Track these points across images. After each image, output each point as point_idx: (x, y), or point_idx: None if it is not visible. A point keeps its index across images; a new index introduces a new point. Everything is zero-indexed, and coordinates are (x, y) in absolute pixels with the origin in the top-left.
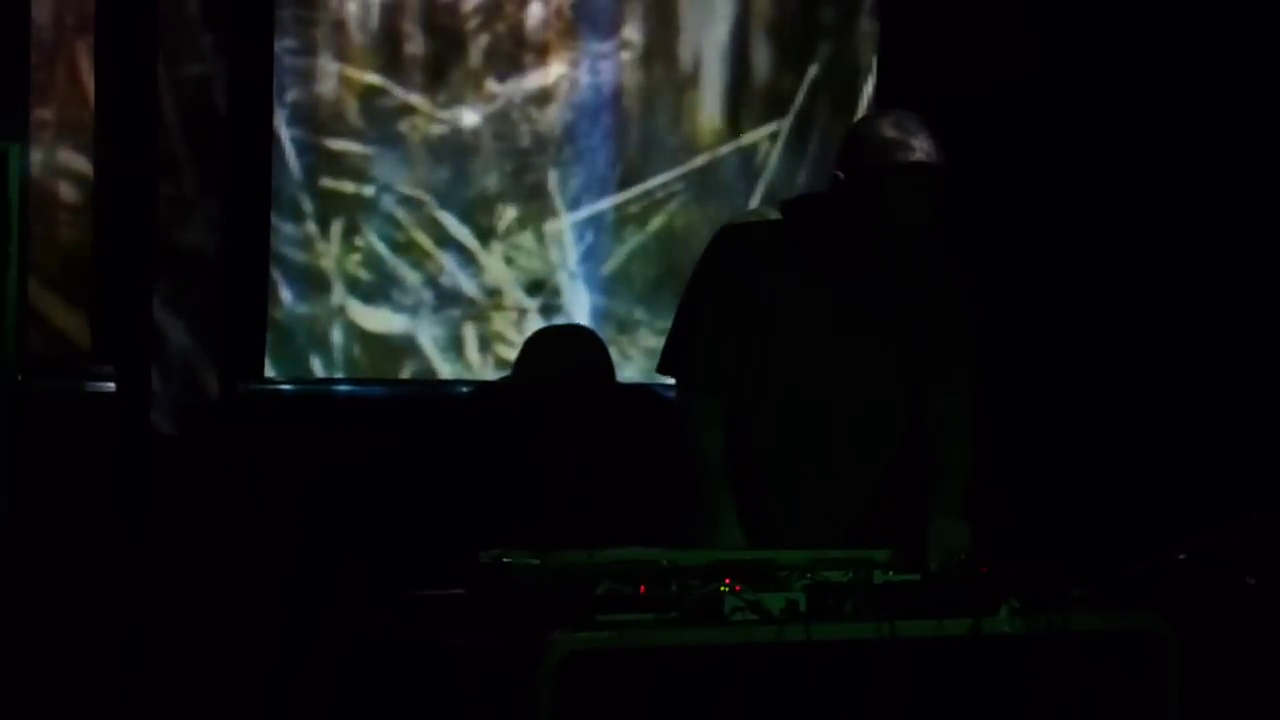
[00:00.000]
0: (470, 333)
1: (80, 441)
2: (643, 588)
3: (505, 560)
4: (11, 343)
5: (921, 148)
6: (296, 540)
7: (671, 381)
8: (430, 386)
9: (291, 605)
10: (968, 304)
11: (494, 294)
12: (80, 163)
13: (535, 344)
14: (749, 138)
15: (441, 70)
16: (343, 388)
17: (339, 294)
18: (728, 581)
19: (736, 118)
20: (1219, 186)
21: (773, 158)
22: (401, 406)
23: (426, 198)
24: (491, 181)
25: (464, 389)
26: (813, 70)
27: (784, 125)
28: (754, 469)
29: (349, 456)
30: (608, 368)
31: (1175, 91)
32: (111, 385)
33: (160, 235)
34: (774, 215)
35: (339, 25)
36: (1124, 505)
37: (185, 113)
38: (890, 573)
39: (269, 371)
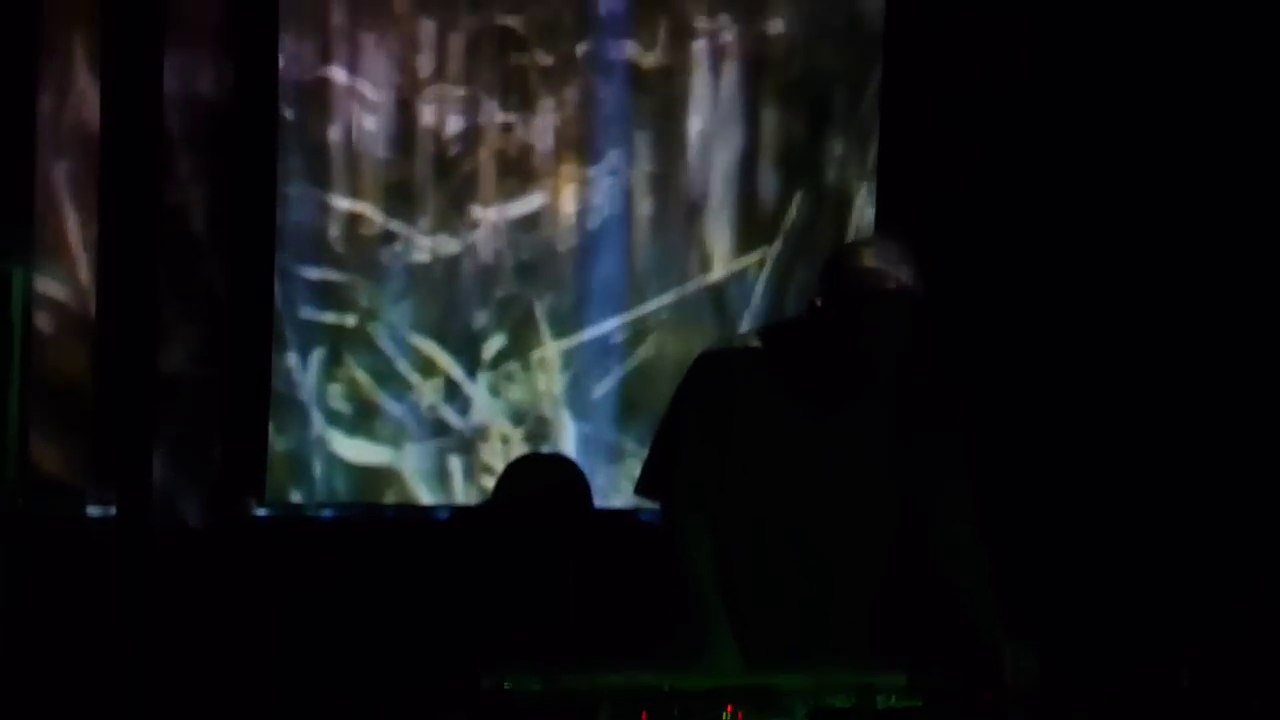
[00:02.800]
0: (455, 464)
1: (80, 567)
2: (645, 713)
3: (506, 685)
4: (12, 467)
5: (899, 278)
6: (299, 666)
7: (653, 505)
8: (430, 511)
9: None
10: (960, 431)
11: (479, 423)
12: (71, 290)
13: (516, 469)
14: (737, 264)
15: (424, 196)
16: (344, 513)
17: (319, 424)
18: (730, 709)
19: (725, 244)
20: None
21: (761, 283)
22: (406, 531)
23: (409, 326)
24: (476, 309)
25: (467, 514)
26: (800, 198)
27: (770, 252)
28: (737, 594)
29: (352, 581)
30: (587, 490)
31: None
32: (111, 510)
33: (158, 362)
34: (753, 342)
35: (318, 151)
36: (1127, 624)
37: (175, 236)
38: (893, 698)
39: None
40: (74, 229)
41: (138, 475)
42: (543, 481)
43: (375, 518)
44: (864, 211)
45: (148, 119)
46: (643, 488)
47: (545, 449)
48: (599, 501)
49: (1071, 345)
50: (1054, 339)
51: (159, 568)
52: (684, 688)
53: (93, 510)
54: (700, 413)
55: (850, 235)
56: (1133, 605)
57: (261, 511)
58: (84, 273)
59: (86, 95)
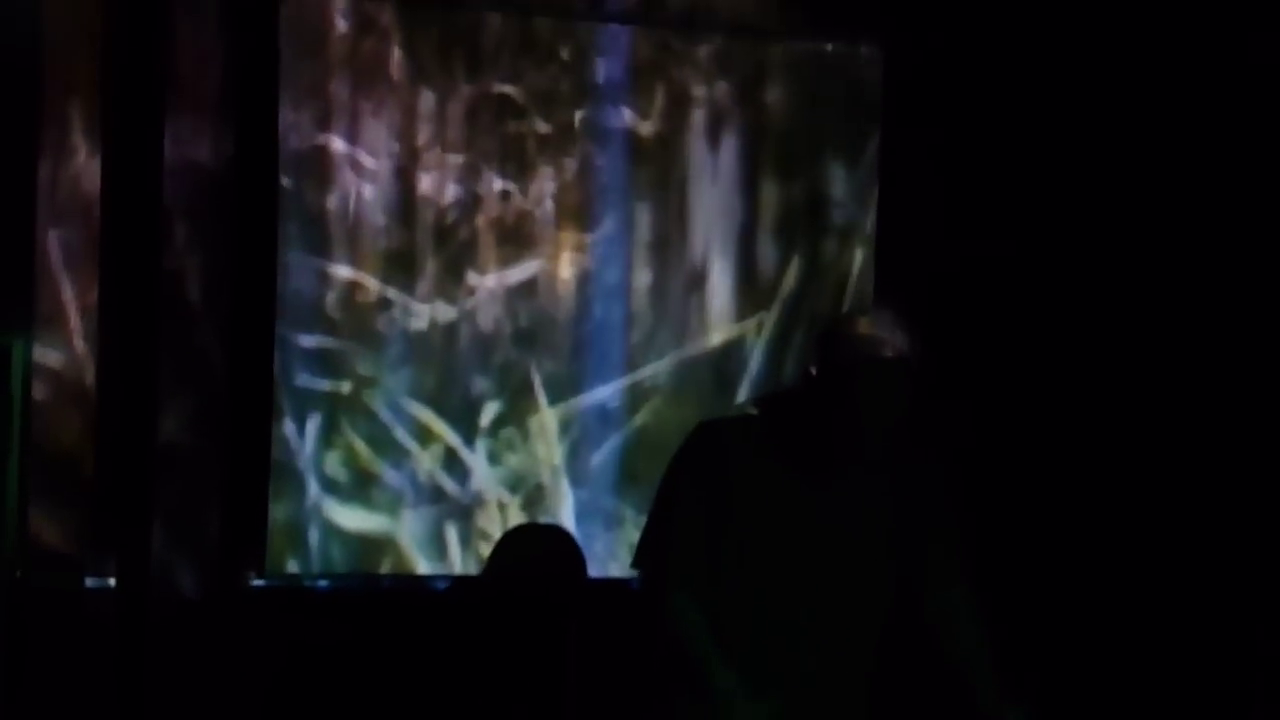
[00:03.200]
0: (452, 531)
1: (79, 638)
2: None
3: None
4: (11, 539)
5: (895, 345)
6: None
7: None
8: (428, 581)
9: None
10: (953, 496)
11: (477, 490)
12: (68, 360)
13: (511, 540)
14: (735, 330)
15: (422, 263)
16: (341, 584)
17: (315, 492)
18: None
19: (723, 310)
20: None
21: (758, 349)
22: (404, 603)
23: (406, 394)
24: (474, 376)
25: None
26: (798, 264)
27: (767, 318)
28: (736, 665)
29: (356, 653)
30: (582, 561)
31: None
32: (109, 581)
33: (157, 432)
34: (750, 412)
35: (314, 219)
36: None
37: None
38: None
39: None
40: (71, 299)
41: (136, 546)
42: (539, 553)
43: (373, 588)
44: (862, 277)
45: (148, 187)
46: (638, 560)
47: (543, 516)
48: (597, 569)
49: (1072, 407)
50: (1054, 398)
51: (157, 639)
52: None
53: (91, 581)
54: (694, 485)
55: (848, 300)
56: (1134, 676)
57: (259, 582)
58: (81, 342)
59: (85, 164)
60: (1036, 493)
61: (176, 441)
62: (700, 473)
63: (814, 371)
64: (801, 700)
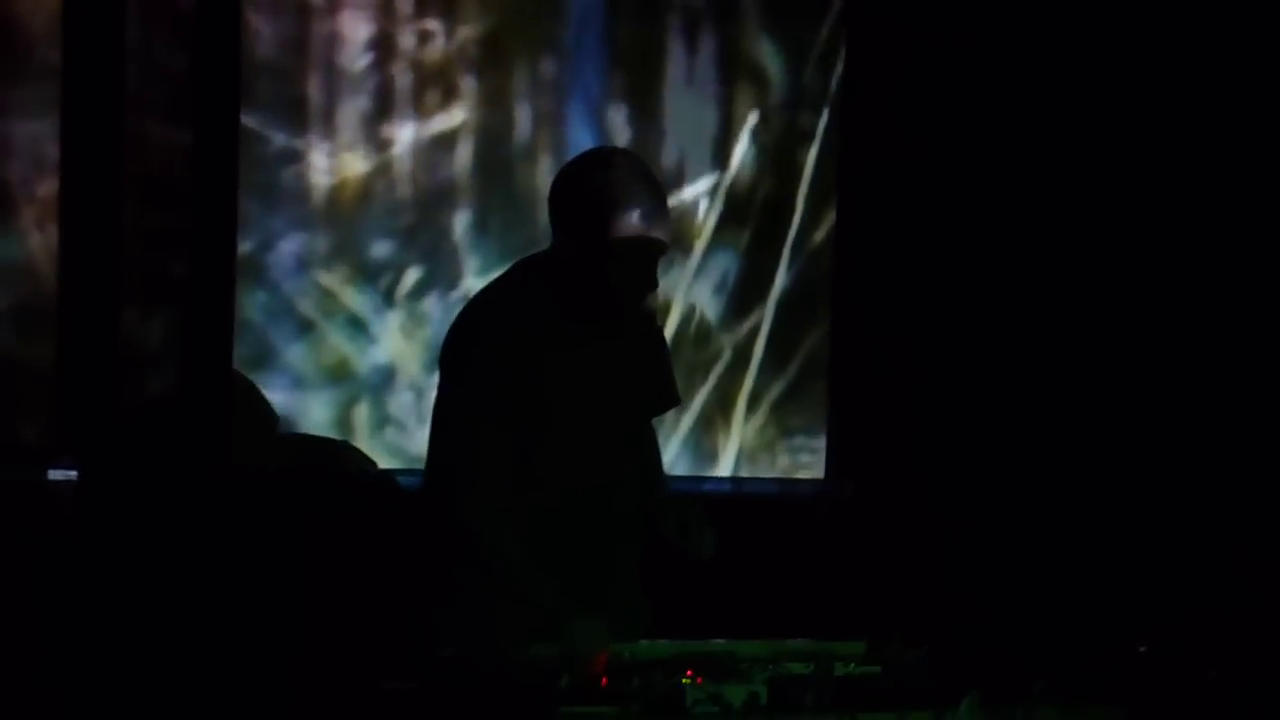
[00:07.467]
0: (361, 414)
1: (43, 531)
2: (605, 680)
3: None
4: None
5: (663, 224)
6: (256, 631)
7: None
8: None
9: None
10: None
11: (389, 367)
12: (28, 247)
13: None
14: (684, 193)
15: (328, 112)
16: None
17: None
18: (689, 674)
19: (665, 167)
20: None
21: (713, 216)
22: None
23: (309, 258)
24: (387, 238)
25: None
26: (752, 119)
27: (724, 179)
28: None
29: (323, 543)
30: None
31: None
32: (73, 474)
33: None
34: (515, 284)
35: None
36: (1087, 598)
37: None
38: (852, 665)
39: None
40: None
41: (100, 437)
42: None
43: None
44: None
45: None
46: (434, 467)
47: None
48: None
49: (1034, 336)
50: (1013, 327)
51: (136, 528)
52: (643, 654)
53: (55, 474)
54: (492, 376)
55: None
56: (1095, 582)
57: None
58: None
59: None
60: (1017, 413)
61: (137, 325)
62: (495, 362)
63: (576, 233)
64: (609, 588)
